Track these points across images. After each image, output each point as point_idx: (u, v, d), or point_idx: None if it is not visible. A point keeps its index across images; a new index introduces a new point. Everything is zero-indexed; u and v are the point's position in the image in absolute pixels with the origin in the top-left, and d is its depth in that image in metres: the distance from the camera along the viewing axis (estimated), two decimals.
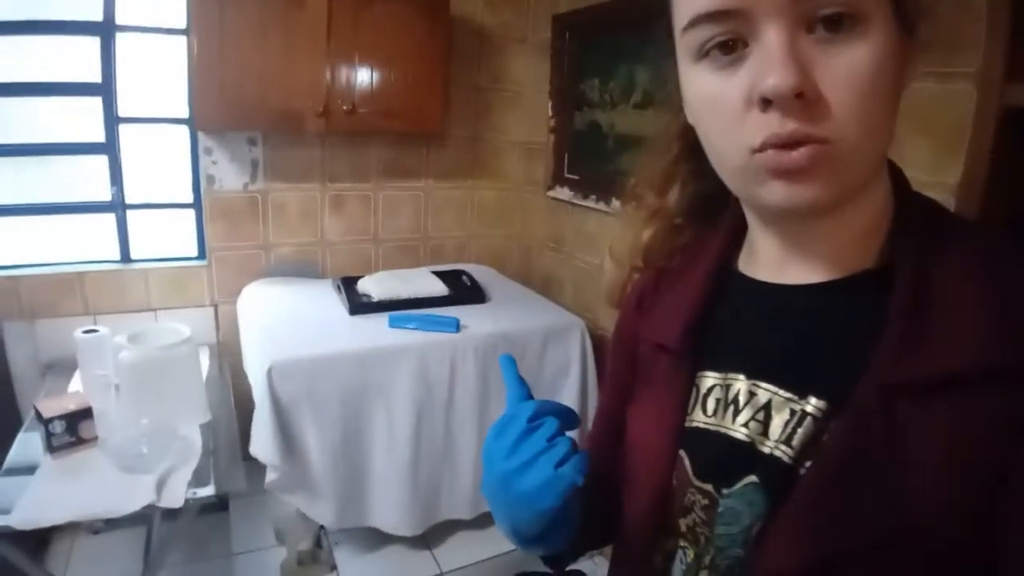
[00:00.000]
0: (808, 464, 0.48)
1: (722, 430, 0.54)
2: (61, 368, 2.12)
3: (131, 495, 1.43)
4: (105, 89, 2.18)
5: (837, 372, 0.48)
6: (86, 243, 2.34)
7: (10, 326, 2.19)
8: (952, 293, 0.45)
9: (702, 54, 0.46)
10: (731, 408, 0.54)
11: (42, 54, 2.11)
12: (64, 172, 2.26)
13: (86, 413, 1.60)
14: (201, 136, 2.32)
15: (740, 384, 0.54)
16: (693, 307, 0.59)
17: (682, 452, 0.57)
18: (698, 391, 0.58)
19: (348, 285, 2.35)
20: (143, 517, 1.81)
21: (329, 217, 2.63)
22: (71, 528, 2.05)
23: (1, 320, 2.17)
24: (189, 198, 2.42)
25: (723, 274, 0.60)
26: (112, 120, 2.22)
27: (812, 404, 0.49)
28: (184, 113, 2.31)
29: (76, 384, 1.96)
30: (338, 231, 2.66)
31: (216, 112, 2.10)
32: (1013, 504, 0.40)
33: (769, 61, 0.42)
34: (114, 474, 1.50)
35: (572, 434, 0.57)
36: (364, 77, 2.27)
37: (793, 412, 0.50)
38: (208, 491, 1.52)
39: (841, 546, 0.43)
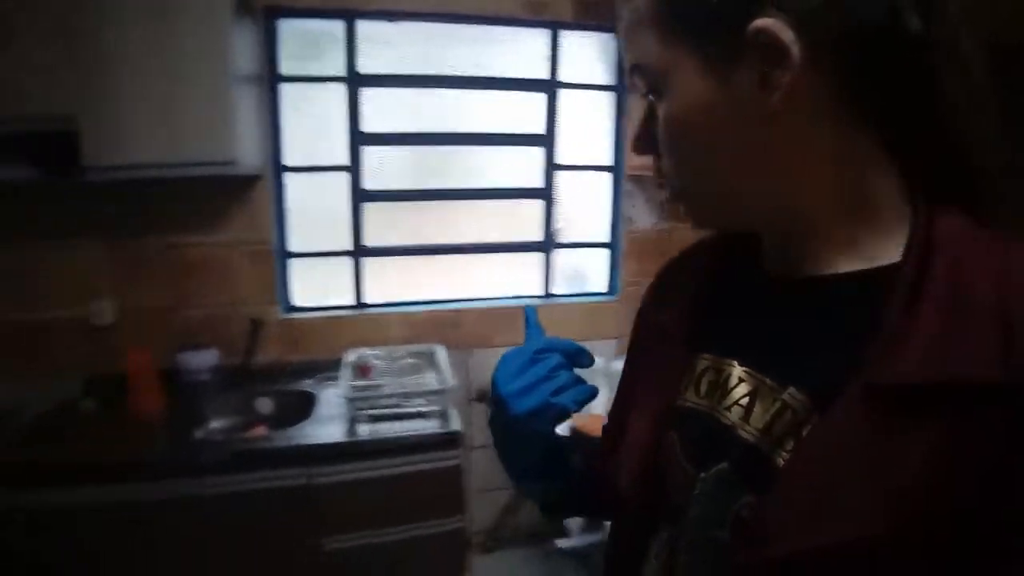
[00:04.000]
0: (785, 454, 0.48)
1: (711, 412, 0.55)
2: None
3: None
4: (547, 139, 2.43)
5: (823, 366, 0.48)
6: (511, 280, 2.52)
7: (450, 354, 2.34)
8: (956, 300, 0.43)
9: None
10: (720, 391, 0.55)
11: (491, 107, 2.42)
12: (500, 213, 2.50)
13: None
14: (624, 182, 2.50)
15: (732, 369, 0.55)
16: (694, 291, 0.62)
17: (673, 432, 0.58)
18: (693, 372, 0.59)
19: None
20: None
21: None
22: None
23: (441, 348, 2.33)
24: (606, 238, 2.55)
25: (729, 264, 0.62)
26: (551, 167, 2.44)
27: (791, 395, 0.49)
28: (608, 161, 2.50)
29: None
30: None
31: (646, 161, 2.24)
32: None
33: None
34: None
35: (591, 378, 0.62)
36: None
37: (775, 401, 0.50)
38: None
39: (825, 540, 0.42)
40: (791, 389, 0.49)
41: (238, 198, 2.21)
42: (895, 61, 0.45)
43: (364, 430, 1.86)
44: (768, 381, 0.52)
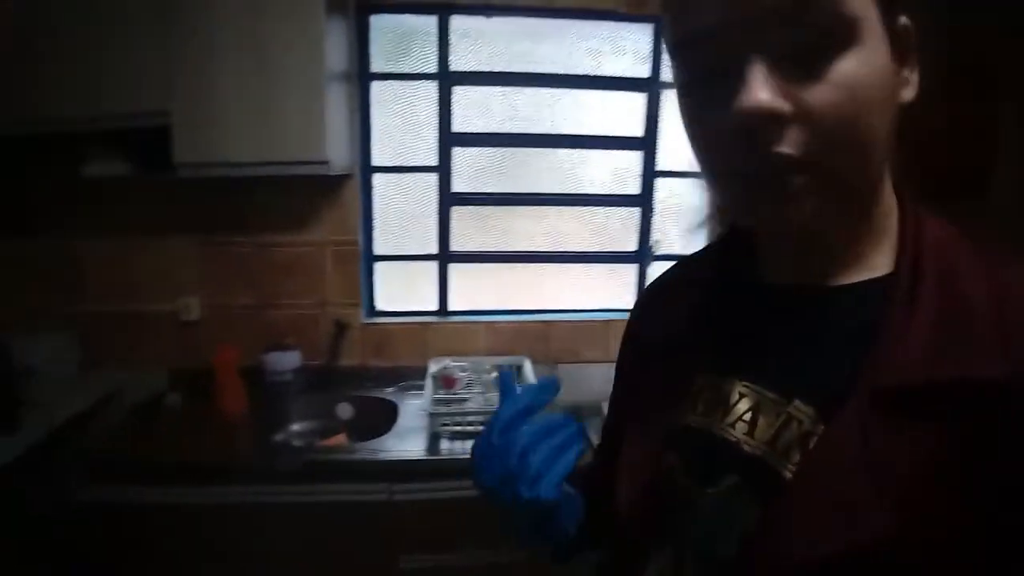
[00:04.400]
0: (792, 466, 0.48)
1: (711, 429, 0.55)
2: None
3: None
4: (647, 143, 2.28)
5: (825, 377, 0.48)
6: (602, 292, 2.38)
7: (536, 368, 2.24)
8: (950, 303, 0.45)
9: (691, 78, 0.47)
10: (720, 408, 0.55)
11: (587, 107, 2.27)
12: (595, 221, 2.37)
13: None
14: None
15: (731, 385, 0.55)
16: (687, 309, 0.62)
17: (672, 451, 0.57)
18: (690, 391, 0.58)
19: None
20: None
21: None
22: None
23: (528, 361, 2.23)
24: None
25: (724, 278, 0.61)
26: (650, 173, 2.29)
27: (797, 407, 0.49)
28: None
29: None
30: None
31: None
32: None
33: (743, 86, 0.41)
34: None
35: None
36: None
37: (779, 414, 0.50)
38: None
39: (836, 549, 0.42)
40: (796, 402, 0.50)
41: (327, 198, 2.17)
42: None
43: (446, 447, 1.77)
44: (770, 394, 0.52)
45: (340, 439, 2.02)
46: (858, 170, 0.45)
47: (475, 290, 2.38)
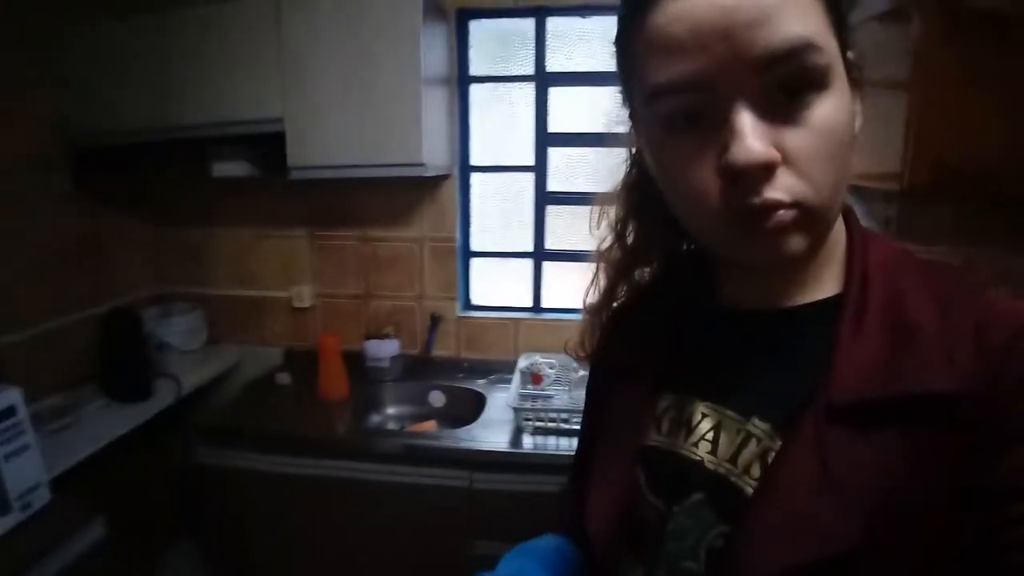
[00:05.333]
0: (753, 481, 0.49)
1: (675, 449, 0.57)
2: None
3: None
4: None
5: (781, 394, 0.50)
6: None
7: None
8: (897, 320, 0.47)
9: (670, 124, 0.47)
10: (683, 429, 0.57)
11: None
12: None
13: None
14: None
15: (694, 406, 0.57)
16: (651, 332, 0.63)
17: (639, 469, 0.59)
18: (655, 412, 0.60)
19: None
20: None
21: None
22: None
23: None
24: None
25: (685, 302, 0.62)
26: None
27: (755, 425, 0.51)
28: None
29: None
30: None
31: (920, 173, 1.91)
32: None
33: (736, 137, 0.42)
34: None
35: None
36: None
37: (739, 432, 0.52)
38: None
39: (800, 562, 0.43)
40: (754, 419, 0.52)
41: (426, 196, 2.28)
42: None
43: (528, 442, 1.83)
44: (730, 413, 0.54)
45: (430, 425, 2.13)
46: (835, 204, 0.47)
47: (567, 288, 2.40)
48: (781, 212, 0.44)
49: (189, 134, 2.03)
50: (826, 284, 0.53)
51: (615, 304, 0.73)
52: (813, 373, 0.48)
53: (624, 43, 0.50)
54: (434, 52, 1.99)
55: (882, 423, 0.44)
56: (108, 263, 2.32)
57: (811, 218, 0.45)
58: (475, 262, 2.42)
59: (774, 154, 0.43)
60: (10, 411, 1.42)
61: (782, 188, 0.43)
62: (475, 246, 2.40)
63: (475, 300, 2.45)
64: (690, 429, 0.56)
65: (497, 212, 2.39)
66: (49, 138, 2.05)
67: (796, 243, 0.45)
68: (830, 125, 0.44)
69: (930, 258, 0.53)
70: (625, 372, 0.65)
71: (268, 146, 1.99)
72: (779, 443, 0.49)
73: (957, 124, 1.47)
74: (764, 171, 0.43)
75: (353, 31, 1.85)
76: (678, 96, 0.45)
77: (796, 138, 0.43)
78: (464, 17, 2.18)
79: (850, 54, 0.47)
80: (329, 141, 1.93)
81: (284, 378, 2.30)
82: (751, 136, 0.42)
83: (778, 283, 0.54)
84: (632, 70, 0.50)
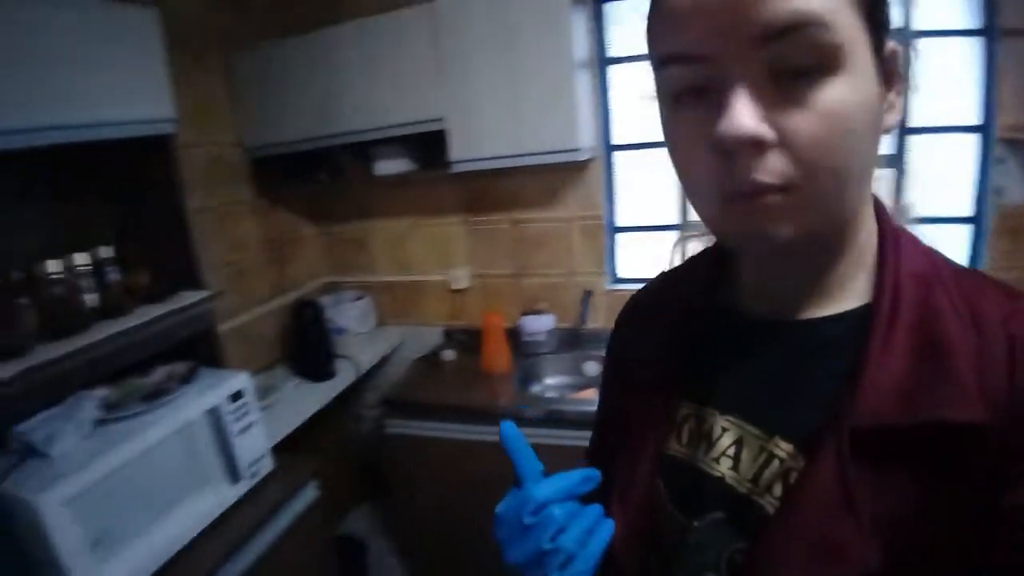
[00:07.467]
0: (775, 500, 0.48)
1: (695, 463, 0.55)
2: None
3: None
4: None
5: (805, 414, 0.48)
6: None
7: None
8: (928, 341, 0.44)
9: (673, 95, 0.46)
10: (704, 442, 0.55)
11: None
12: None
13: None
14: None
15: (714, 418, 0.55)
16: (668, 334, 0.61)
17: (659, 480, 0.57)
18: (674, 419, 0.58)
19: None
20: None
21: None
22: None
23: None
24: (968, 212, 2.23)
25: (704, 304, 0.60)
26: (902, 130, 2.19)
27: (778, 445, 0.49)
28: (974, 120, 2.15)
29: None
30: None
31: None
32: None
33: (725, 110, 0.41)
34: None
35: None
36: None
37: (762, 450, 0.50)
38: None
39: None
40: (776, 439, 0.50)
41: (573, 177, 2.39)
42: None
43: None
44: (752, 429, 0.52)
45: (590, 393, 2.26)
46: (838, 196, 0.44)
47: None
48: (769, 196, 0.42)
49: (352, 139, 2.26)
50: (853, 293, 0.51)
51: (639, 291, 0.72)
52: (838, 391, 0.46)
53: (648, 15, 0.48)
54: (579, 38, 2.08)
55: (907, 447, 0.42)
56: (288, 259, 2.62)
57: (804, 205, 0.42)
58: (621, 237, 2.52)
59: (764, 131, 0.41)
60: (240, 393, 1.66)
61: (773, 171, 0.41)
62: (620, 221, 2.50)
63: (623, 274, 2.55)
64: (711, 443, 0.54)
65: (642, 187, 2.46)
66: (234, 155, 2.35)
67: (785, 229, 0.43)
68: (838, 109, 0.41)
69: (966, 268, 0.50)
70: (641, 370, 0.64)
71: (423, 142, 2.19)
72: (802, 463, 0.47)
73: None
74: (753, 148, 0.41)
75: (504, 23, 1.96)
76: (680, 67, 0.44)
77: (797, 120, 0.41)
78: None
79: (890, 44, 0.45)
80: (486, 134, 2.08)
81: (449, 355, 2.50)
82: (742, 110, 0.40)
83: (794, 284, 0.52)
84: (649, 42, 0.48)
